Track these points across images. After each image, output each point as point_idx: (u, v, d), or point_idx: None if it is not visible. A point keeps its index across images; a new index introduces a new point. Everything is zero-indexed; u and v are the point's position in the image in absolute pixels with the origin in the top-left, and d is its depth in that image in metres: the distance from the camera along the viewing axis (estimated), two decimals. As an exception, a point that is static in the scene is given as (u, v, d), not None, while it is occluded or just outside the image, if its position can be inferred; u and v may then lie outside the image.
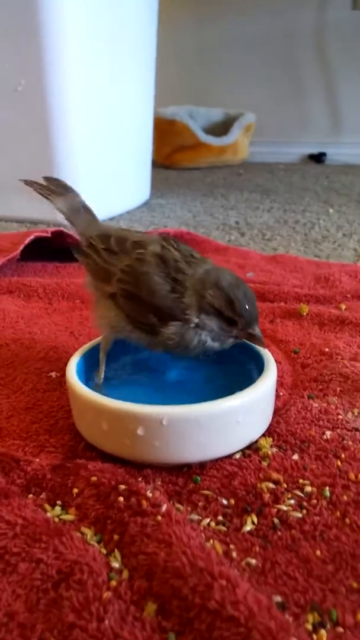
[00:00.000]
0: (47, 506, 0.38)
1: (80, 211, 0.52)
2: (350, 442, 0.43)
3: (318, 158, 2.32)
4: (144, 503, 0.36)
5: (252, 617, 0.28)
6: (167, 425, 0.39)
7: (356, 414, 0.47)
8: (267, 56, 2.36)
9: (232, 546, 0.35)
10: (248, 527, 0.36)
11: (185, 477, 0.41)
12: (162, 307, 0.44)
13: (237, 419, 0.40)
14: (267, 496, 0.38)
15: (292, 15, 2.27)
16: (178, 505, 0.38)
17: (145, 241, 0.47)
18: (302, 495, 0.38)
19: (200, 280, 0.44)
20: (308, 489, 0.38)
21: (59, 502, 0.38)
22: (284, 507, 0.37)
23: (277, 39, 2.32)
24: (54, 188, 0.53)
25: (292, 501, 0.37)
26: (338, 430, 0.45)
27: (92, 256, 0.48)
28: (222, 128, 2.25)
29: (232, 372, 0.49)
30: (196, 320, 0.44)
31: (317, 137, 2.38)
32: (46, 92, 1.15)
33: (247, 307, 0.43)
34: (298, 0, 2.23)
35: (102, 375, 0.48)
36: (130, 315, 0.46)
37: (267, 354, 0.46)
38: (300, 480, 0.39)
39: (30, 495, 0.39)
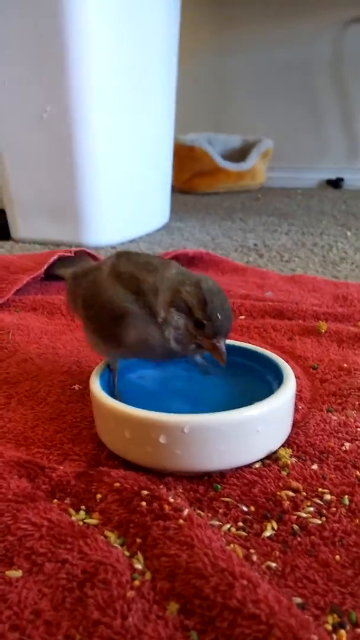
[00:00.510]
0: (71, 510, 0.39)
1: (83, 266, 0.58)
2: (369, 453, 0.44)
3: (335, 183, 2.35)
4: (166, 507, 0.37)
5: (273, 615, 0.29)
6: (188, 433, 0.40)
7: (375, 426, 0.48)
8: (285, 84, 2.41)
9: (252, 550, 0.35)
10: (268, 533, 0.37)
11: (205, 485, 0.41)
12: (117, 311, 0.45)
13: (256, 428, 0.41)
14: (286, 504, 0.39)
15: (310, 44, 2.32)
16: (199, 512, 0.39)
17: (102, 263, 0.51)
18: (321, 503, 0.39)
19: (177, 277, 0.45)
20: (327, 497, 0.39)
21: (83, 507, 0.39)
22: (304, 514, 0.38)
23: (295, 67, 2.38)
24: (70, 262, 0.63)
25: (312, 508, 0.38)
26: (357, 442, 0.45)
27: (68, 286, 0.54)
28: (240, 154, 2.30)
29: (252, 385, 0.50)
30: (163, 314, 0.44)
31: (334, 162, 2.41)
32: (70, 119, 1.20)
33: (218, 314, 0.43)
34: (315, 29, 2.29)
35: (116, 390, 0.49)
36: (99, 333, 0.48)
37: (286, 368, 0.47)
38: (320, 489, 0.40)
39: (55, 500, 0.40)
